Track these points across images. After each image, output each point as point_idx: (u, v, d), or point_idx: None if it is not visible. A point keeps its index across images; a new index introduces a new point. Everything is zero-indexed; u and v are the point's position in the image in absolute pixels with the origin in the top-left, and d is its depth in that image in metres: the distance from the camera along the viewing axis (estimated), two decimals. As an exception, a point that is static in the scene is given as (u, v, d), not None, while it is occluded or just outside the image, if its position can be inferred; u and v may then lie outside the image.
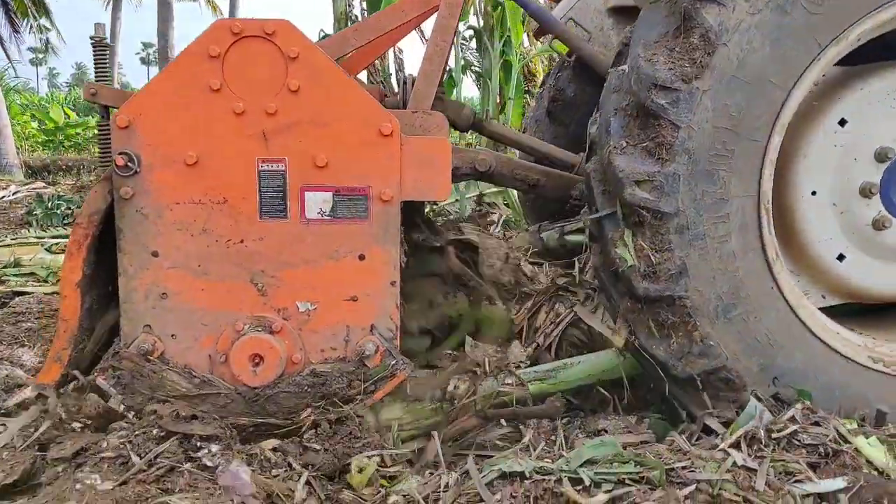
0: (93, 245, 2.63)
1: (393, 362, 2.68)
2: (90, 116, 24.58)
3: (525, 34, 11.93)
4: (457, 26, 3.13)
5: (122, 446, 2.43)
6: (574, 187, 3.58)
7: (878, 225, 2.81)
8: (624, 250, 2.66)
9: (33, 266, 6.28)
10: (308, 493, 2.39)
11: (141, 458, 2.36)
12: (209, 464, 2.37)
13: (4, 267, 6.18)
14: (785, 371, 2.67)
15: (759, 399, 2.64)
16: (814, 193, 2.82)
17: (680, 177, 2.53)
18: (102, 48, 2.93)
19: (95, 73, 2.94)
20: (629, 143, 2.61)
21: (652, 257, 2.61)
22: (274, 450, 2.53)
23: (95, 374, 2.67)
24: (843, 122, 2.80)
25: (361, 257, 2.66)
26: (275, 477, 2.39)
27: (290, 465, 2.48)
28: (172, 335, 2.68)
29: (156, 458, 2.38)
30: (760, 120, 2.54)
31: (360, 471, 2.50)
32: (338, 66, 2.61)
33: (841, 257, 2.86)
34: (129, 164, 2.58)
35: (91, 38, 2.89)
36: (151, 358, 2.66)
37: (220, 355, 2.67)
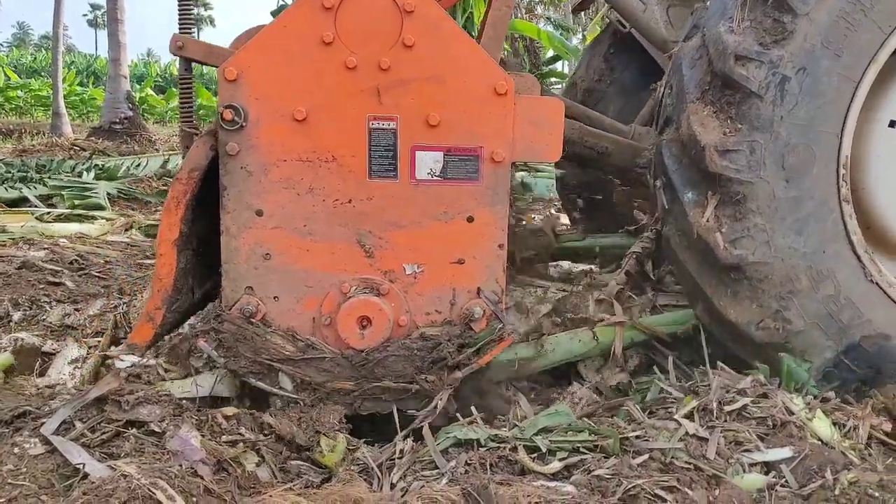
0: (191, 202, 2.53)
1: (500, 326, 2.65)
2: (32, 79, 23.58)
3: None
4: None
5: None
6: (640, 156, 3.59)
7: None
8: (704, 217, 2.67)
9: (24, 233, 6.04)
10: (258, 462, 2.33)
11: (84, 423, 2.29)
12: (157, 429, 2.30)
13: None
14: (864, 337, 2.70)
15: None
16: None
17: (762, 145, 2.56)
18: (187, 1, 2.80)
19: (180, 25, 2.80)
20: (709, 111, 2.63)
21: (734, 224, 2.62)
22: (227, 417, 2.46)
23: (196, 335, 2.58)
24: (892, 124, 2.86)
25: (470, 219, 2.61)
26: (226, 443, 2.32)
27: (241, 433, 2.40)
28: (275, 297, 2.60)
29: (100, 423, 2.30)
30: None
31: (332, 449, 2.44)
32: (454, 21, 2.55)
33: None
34: (235, 118, 2.47)
35: (178, -11, 2.76)
36: (254, 320, 2.57)
37: (325, 317, 2.61)
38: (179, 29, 2.82)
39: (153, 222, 6.58)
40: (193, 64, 2.86)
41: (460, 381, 2.66)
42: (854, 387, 2.69)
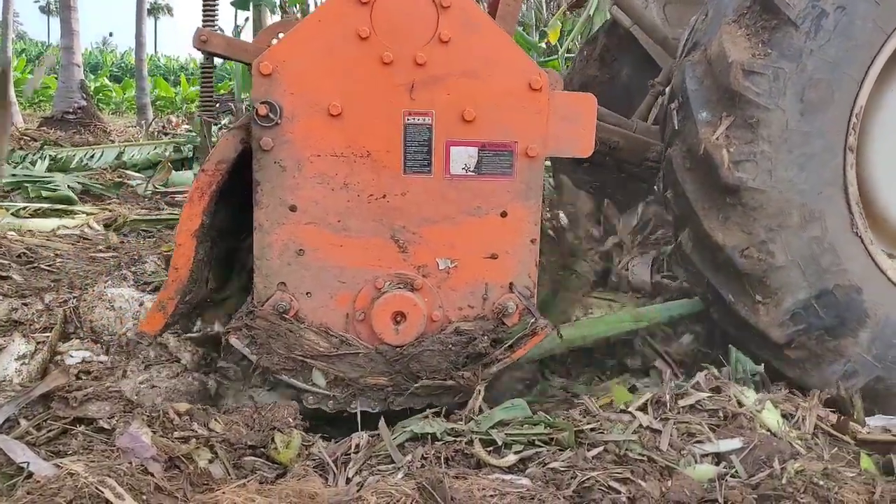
0: (215, 194, 2.49)
1: (532, 320, 2.66)
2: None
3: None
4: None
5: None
6: (650, 149, 3.64)
7: None
8: (714, 135, 2.69)
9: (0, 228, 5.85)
10: (212, 458, 2.31)
11: (29, 421, 2.25)
12: (106, 426, 2.27)
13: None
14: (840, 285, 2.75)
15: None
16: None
17: (787, 74, 2.61)
18: None
19: (203, 19, 2.76)
20: (743, 33, 2.68)
21: (742, 146, 2.66)
22: (179, 413, 2.43)
23: (228, 332, 2.54)
24: None
25: (503, 214, 2.62)
26: (178, 440, 2.29)
27: (193, 429, 2.37)
28: (308, 293, 2.58)
29: (46, 420, 2.26)
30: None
31: (287, 445, 2.42)
32: (489, 16, 2.55)
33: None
34: (270, 113, 2.44)
35: (202, -19, 2.71)
36: (287, 317, 2.55)
37: (359, 313, 2.59)
38: (203, 23, 2.78)
39: (138, 217, 6.41)
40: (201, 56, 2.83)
41: None
42: (817, 334, 2.76)
